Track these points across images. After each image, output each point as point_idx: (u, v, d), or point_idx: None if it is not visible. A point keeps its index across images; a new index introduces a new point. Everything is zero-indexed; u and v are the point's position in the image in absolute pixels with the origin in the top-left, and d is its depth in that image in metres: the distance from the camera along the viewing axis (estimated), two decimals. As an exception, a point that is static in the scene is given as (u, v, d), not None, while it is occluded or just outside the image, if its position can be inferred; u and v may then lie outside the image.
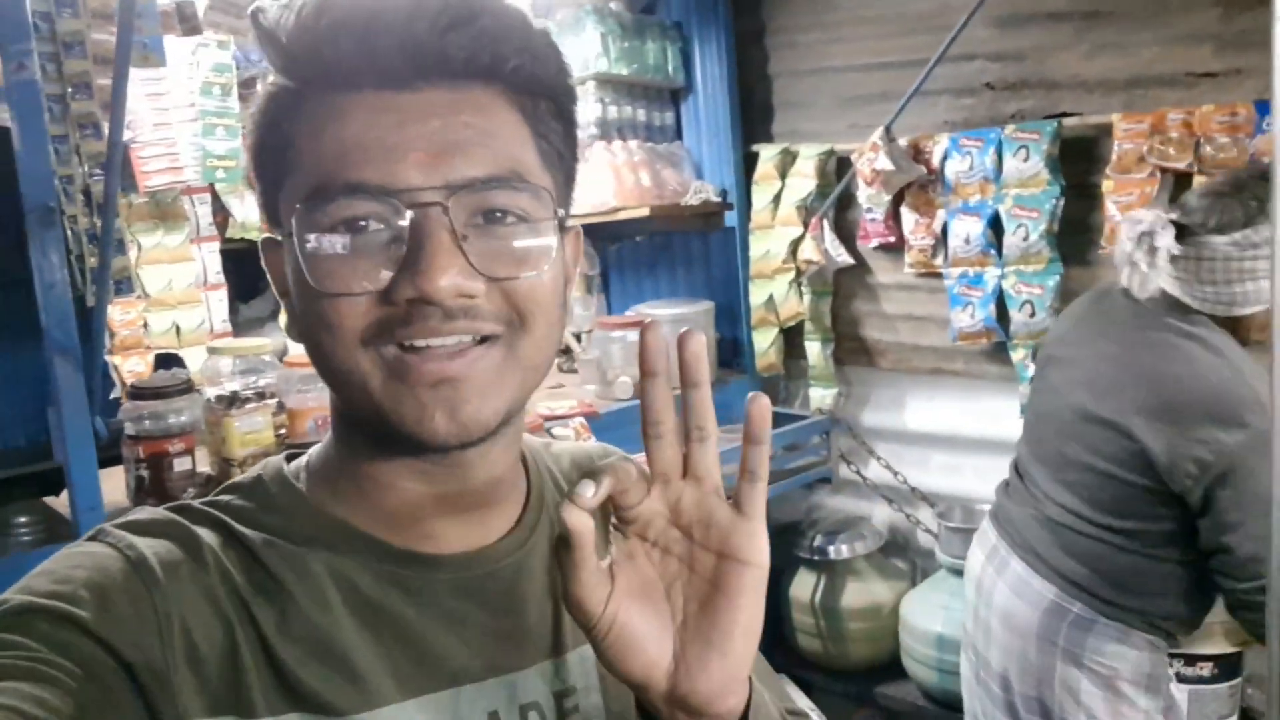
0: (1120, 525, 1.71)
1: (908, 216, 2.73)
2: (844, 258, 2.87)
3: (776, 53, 3.03)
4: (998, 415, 2.64)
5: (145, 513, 0.67)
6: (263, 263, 0.70)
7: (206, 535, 0.65)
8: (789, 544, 2.93)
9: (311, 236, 0.61)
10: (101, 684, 0.56)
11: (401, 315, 0.60)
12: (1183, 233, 1.69)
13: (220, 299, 2.23)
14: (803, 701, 2.74)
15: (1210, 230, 1.66)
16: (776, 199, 2.94)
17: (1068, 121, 2.46)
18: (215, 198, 2.22)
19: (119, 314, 2.08)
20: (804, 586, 2.88)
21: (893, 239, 2.79)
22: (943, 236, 2.67)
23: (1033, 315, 2.52)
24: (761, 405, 0.58)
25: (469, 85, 0.63)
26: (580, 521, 0.55)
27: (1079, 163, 2.47)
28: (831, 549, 2.84)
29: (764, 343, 3.01)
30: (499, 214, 0.62)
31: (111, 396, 2.04)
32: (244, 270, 2.35)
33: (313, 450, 0.73)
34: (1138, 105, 2.38)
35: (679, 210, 2.85)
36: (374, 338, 0.61)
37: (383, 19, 0.59)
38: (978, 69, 2.62)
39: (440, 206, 0.60)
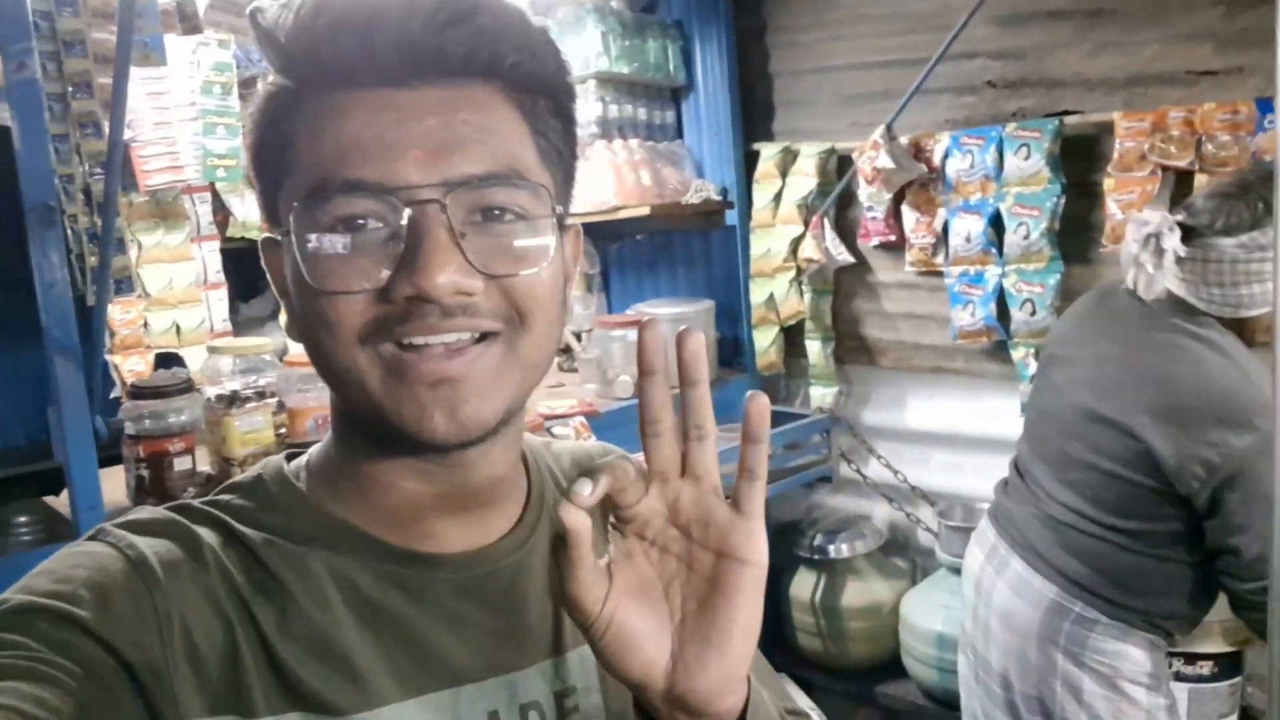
0: (1124, 525, 1.71)
1: (908, 215, 2.73)
2: (845, 256, 2.87)
3: (777, 51, 3.02)
4: (998, 414, 2.64)
5: (145, 512, 0.66)
6: (262, 262, 0.70)
7: (207, 535, 0.64)
8: (789, 543, 2.93)
9: (310, 235, 0.61)
10: (102, 683, 0.56)
11: (400, 313, 0.60)
12: (1189, 234, 1.68)
13: (220, 298, 2.23)
14: (803, 701, 2.74)
15: (1217, 232, 1.66)
16: (777, 197, 2.93)
17: (1069, 120, 2.46)
18: (216, 197, 2.22)
19: (119, 313, 2.08)
20: (804, 585, 2.88)
21: (893, 237, 2.79)
22: (943, 235, 2.67)
23: (1033, 314, 2.52)
24: (760, 404, 0.58)
25: (467, 83, 0.63)
26: (577, 520, 0.54)
27: (1080, 161, 2.47)
28: (832, 548, 2.84)
29: (764, 341, 3.01)
30: (497, 211, 0.62)
31: (111, 396, 2.04)
32: (244, 269, 2.35)
33: (313, 450, 0.73)
34: (1139, 103, 2.38)
35: (679, 209, 2.85)
36: (372, 336, 0.61)
37: (381, 17, 0.59)
38: (979, 67, 2.62)
39: (438, 204, 0.60)
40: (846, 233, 2.90)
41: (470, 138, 0.61)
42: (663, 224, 2.99)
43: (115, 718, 0.56)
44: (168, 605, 0.59)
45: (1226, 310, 1.68)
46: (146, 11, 2.07)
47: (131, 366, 2.08)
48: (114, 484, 1.81)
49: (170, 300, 2.15)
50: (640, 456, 0.60)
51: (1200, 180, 2.24)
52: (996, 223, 2.57)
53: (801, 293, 2.92)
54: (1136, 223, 1.77)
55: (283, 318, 2.33)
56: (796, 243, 2.89)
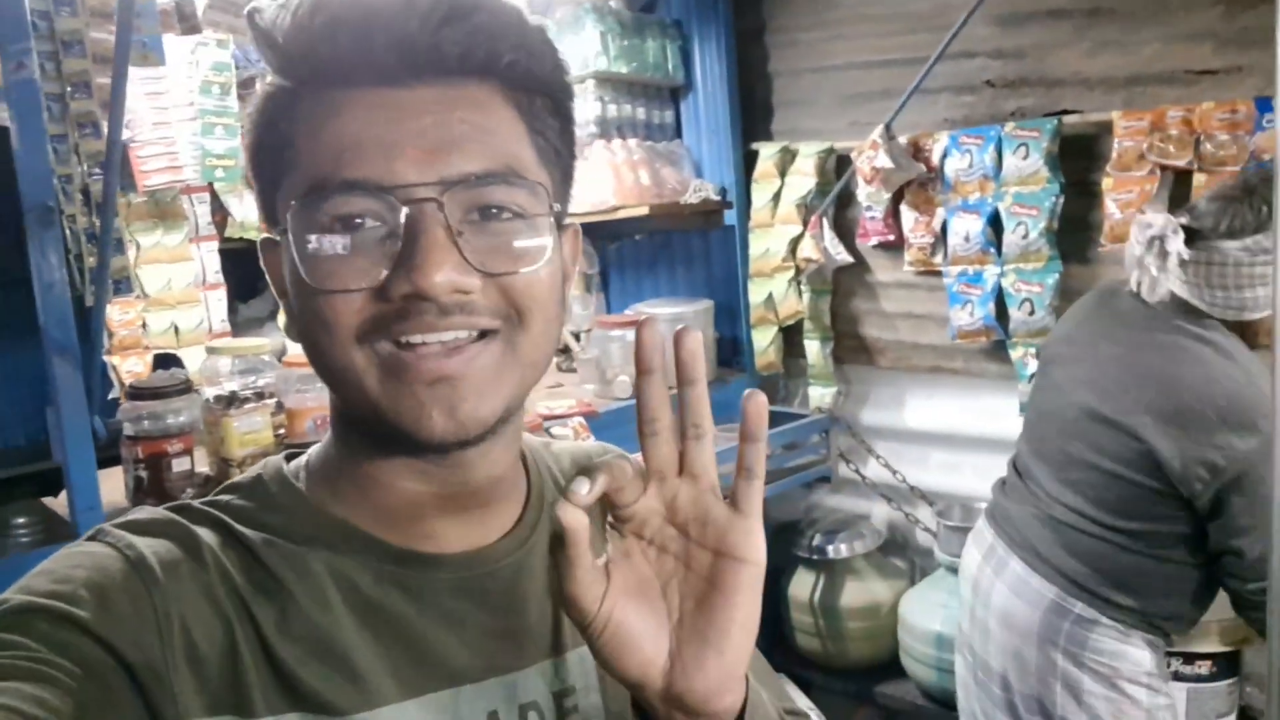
0: (1125, 525, 1.71)
1: (907, 214, 2.73)
2: (843, 256, 2.87)
3: (776, 50, 3.02)
4: (997, 413, 2.64)
5: (145, 512, 0.66)
6: (261, 263, 0.70)
7: (206, 535, 0.64)
8: (788, 543, 2.93)
9: (307, 234, 0.61)
10: (101, 683, 0.56)
11: (397, 311, 0.60)
12: (1193, 237, 1.68)
13: (219, 299, 2.23)
14: (802, 701, 2.74)
15: (1221, 235, 1.66)
16: (776, 197, 2.94)
17: (1068, 119, 2.46)
18: (214, 197, 2.22)
19: (118, 314, 2.08)
20: (803, 586, 2.88)
21: (892, 237, 2.79)
22: (942, 234, 2.67)
23: (1032, 313, 2.52)
24: (757, 402, 0.58)
25: (464, 82, 0.63)
26: (575, 518, 0.54)
27: (1079, 160, 2.47)
28: (830, 548, 2.84)
29: (763, 341, 3.01)
30: (495, 210, 0.62)
31: (110, 397, 2.04)
32: (243, 270, 2.34)
33: (312, 450, 0.73)
34: (1138, 103, 2.38)
35: (678, 209, 2.85)
36: (369, 334, 0.61)
37: (378, 16, 0.60)
38: (978, 66, 2.62)
39: (435, 203, 0.60)
40: (845, 232, 2.90)
41: (467, 136, 0.62)
42: (661, 224, 2.99)
43: (115, 717, 0.56)
44: (167, 605, 0.59)
45: (1230, 313, 1.68)
46: (145, 11, 2.07)
47: (130, 367, 2.08)
48: (113, 485, 1.81)
49: (169, 301, 2.14)
50: (639, 457, 0.60)
51: (1199, 180, 2.24)
52: (995, 222, 2.57)
53: (800, 292, 2.92)
54: (1140, 225, 1.76)
55: (281, 318, 2.33)
56: (795, 242, 2.89)
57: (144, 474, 1.78)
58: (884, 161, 2.60)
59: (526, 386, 0.67)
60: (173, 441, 1.79)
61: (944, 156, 2.62)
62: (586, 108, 2.85)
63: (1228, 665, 2.13)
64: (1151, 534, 1.70)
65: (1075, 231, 2.49)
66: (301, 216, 0.61)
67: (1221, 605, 1.78)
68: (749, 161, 3.02)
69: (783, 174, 2.94)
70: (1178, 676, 2.10)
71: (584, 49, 2.81)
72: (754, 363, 3.05)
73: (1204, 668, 2.12)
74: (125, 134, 1.93)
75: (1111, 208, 2.36)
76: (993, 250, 2.58)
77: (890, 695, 2.76)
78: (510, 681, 0.69)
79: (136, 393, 1.82)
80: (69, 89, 2.00)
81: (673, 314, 2.78)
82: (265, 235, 0.69)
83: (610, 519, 0.59)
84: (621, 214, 2.73)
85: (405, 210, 0.60)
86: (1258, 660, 2.15)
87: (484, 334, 0.63)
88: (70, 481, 1.66)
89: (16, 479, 1.99)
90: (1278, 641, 1.32)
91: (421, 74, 0.61)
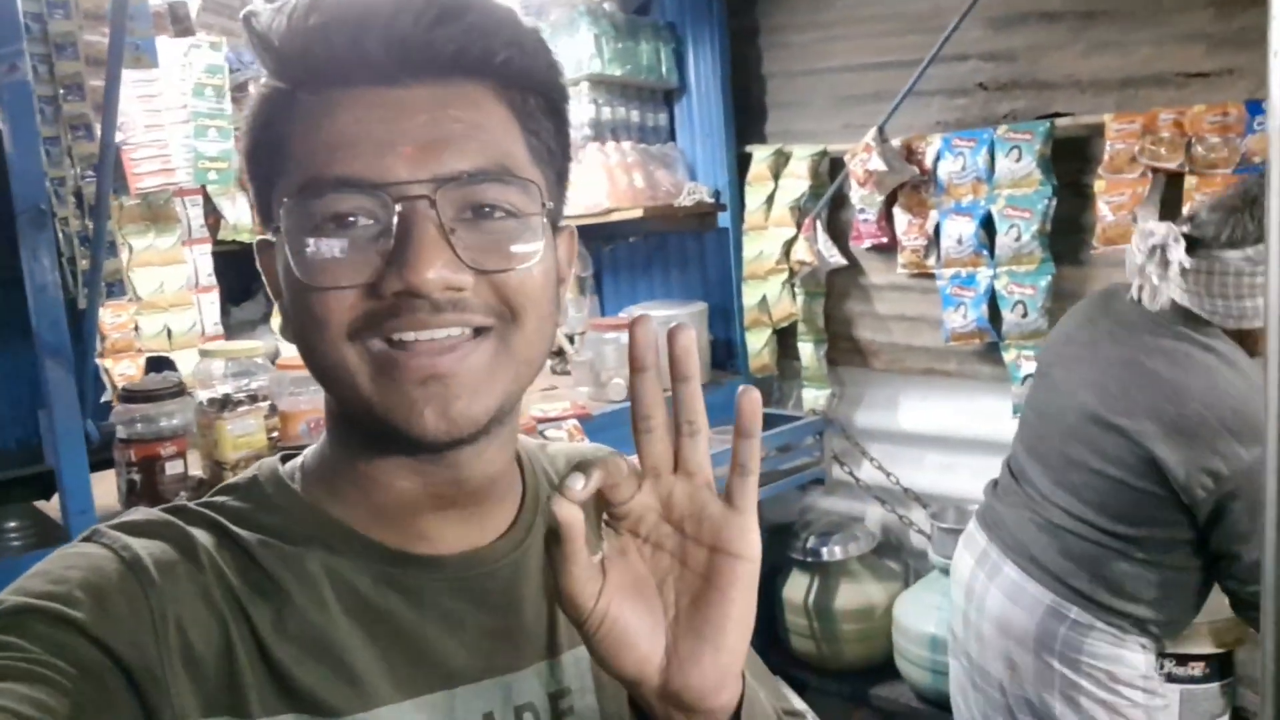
0: (1124, 530, 1.71)
1: (900, 217, 2.74)
2: (837, 258, 2.87)
3: (770, 53, 3.03)
4: (991, 416, 2.65)
5: (140, 514, 0.66)
6: (257, 264, 0.70)
7: (201, 536, 0.64)
8: (782, 545, 2.93)
9: (301, 231, 0.61)
10: (98, 684, 0.56)
11: (389, 308, 0.61)
12: (1194, 246, 1.68)
13: (212, 301, 2.23)
14: (797, 703, 2.73)
15: (1222, 244, 1.66)
16: (770, 200, 2.94)
17: (1060, 122, 2.47)
18: (207, 199, 2.22)
19: (110, 316, 2.08)
20: (797, 588, 2.88)
21: (885, 240, 2.79)
22: (935, 237, 2.68)
23: (1025, 316, 2.53)
24: (752, 398, 0.58)
25: (458, 80, 0.63)
26: (570, 514, 0.54)
27: (1071, 163, 2.48)
28: (825, 550, 2.84)
29: (757, 344, 3.02)
30: (487, 208, 0.63)
31: (103, 400, 2.04)
32: (236, 273, 2.34)
33: (308, 451, 0.73)
34: (1130, 105, 2.39)
35: (672, 211, 2.86)
36: (361, 331, 0.62)
37: (372, 16, 0.60)
38: (971, 69, 2.63)
39: (427, 200, 0.60)
40: (839, 235, 2.91)
41: (460, 134, 0.62)
42: (655, 226, 2.99)
43: (111, 718, 0.56)
44: (163, 606, 0.59)
45: (1230, 321, 1.68)
46: (138, 14, 2.06)
47: (122, 370, 2.07)
48: (105, 488, 1.81)
49: (161, 303, 2.14)
50: (634, 458, 0.60)
51: (1190, 182, 2.25)
52: (988, 225, 2.57)
53: (794, 295, 2.93)
54: (1142, 234, 1.76)
55: (274, 321, 2.33)
56: (789, 245, 2.90)
57: (137, 477, 1.78)
58: (877, 164, 2.61)
59: (520, 386, 0.67)
60: (166, 444, 1.79)
61: (937, 159, 2.63)
62: (581, 110, 2.85)
63: (1220, 667, 2.13)
64: (1150, 539, 1.70)
65: (1068, 234, 2.50)
66: (295, 214, 0.61)
67: (1214, 607, 1.78)
68: (743, 164, 3.02)
69: (776, 177, 2.94)
70: (1171, 678, 2.11)
71: (578, 51, 2.82)
72: (748, 365, 3.05)
73: (1197, 669, 2.13)
74: (118, 136, 1.93)
75: (1104, 210, 2.37)
76: (985, 253, 2.58)
77: (885, 697, 2.76)
78: (506, 683, 0.69)
79: (129, 396, 1.82)
80: (62, 91, 2.00)
81: (666, 316, 2.77)
82: (261, 237, 0.69)
83: (606, 516, 0.59)
84: (615, 216, 2.74)
85: (398, 208, 0.60)
86: (1250, 662, 2.16)
87: (477, 332, 0.63)
88: (63, 485, 1.65)
89: (9, 482, 1.98)
90: (1272, 643, 1.32)
91: (416, 73, 0.62)
